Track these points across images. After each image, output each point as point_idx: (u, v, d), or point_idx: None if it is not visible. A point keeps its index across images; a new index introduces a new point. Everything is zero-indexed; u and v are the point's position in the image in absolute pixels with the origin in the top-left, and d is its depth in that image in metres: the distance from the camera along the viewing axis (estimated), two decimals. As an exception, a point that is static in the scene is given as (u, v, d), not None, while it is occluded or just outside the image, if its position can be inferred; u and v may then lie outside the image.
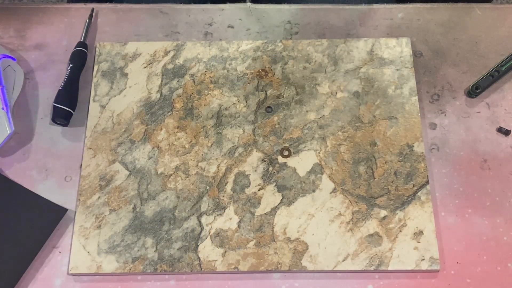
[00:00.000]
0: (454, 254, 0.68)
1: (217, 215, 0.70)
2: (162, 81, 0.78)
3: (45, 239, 0.69)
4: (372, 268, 0.67)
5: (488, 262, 0.68)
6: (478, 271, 0.68)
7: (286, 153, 0.73)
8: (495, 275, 0.67)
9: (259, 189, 0.71)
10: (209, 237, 0.68)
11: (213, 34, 0.82)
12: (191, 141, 0.74)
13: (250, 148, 0.73)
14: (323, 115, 0.75)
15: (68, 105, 0.75)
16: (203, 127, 0.75)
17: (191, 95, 0.77)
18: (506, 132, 0.75)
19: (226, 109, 0.76)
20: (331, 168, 0.72)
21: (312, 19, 0.83)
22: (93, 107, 0.76)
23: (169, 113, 0.76)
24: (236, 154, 0.73)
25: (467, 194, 0.72)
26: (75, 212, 0.70)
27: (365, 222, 0.69)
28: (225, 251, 0.68)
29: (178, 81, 0.78)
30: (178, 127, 0.75)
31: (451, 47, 0.80)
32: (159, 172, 0.72)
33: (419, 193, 0.70)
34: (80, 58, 0.79)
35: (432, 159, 0.73)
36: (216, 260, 0.67)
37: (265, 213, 0.70)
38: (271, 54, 0.79)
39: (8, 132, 0.73)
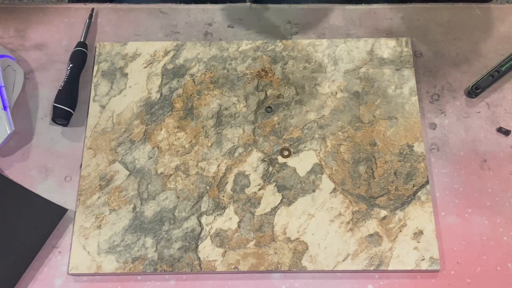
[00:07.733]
0: (454, 254, 0.68)
1: (217, 215, 0.70)
2: (162, 81, 0.78)
3: (45, 239, 0.69)
4: (372, 268, 0.67)
5: (488, 262, 0.68)
6: (478, 271, 0.68)
7: (286, 153, 0.73)
8: (495, 275, 0.67)
9: (259, 189, 0.71)
10: (209, 237, 0.68)
11: (213, 34, 0.82)
12: (191, 141, 0.74)
13: (250, 148, 0.73)
14: (323, 115, 0.75)
15: (68, 105, 0.75)
16: (203, 127, 0.75)
17: (191, 95, 0.77)
18: (506, 132, 0.75)
19: (226, 109, 0.76)
20: (331, 168, 0.72)
21: (312, 19, 0.83)
22: (93, 107, 0.76)
23: (169, 113, 0.76)
24: (236, 154, 0.73)
25: (467, 194, 0.72)
26: (75, 212, 0.70)
27: (365, 222, 0.69)
28: (225, 251, 0.68)
29: (178, 81, 0.78)
30: (178, 127, 0.75)
31: (451, 47, 0.80)
32: (159, 172, 0.72)
33: (419, 193, 0.70)
34: (80, 58, 0.79)
35: (432, 159, 0.73)
36: (216, 260, 0.67)
37: (265, 213, 0.70)
38: (271, 54, 0.79)
39: (8, 132, 0.73)
